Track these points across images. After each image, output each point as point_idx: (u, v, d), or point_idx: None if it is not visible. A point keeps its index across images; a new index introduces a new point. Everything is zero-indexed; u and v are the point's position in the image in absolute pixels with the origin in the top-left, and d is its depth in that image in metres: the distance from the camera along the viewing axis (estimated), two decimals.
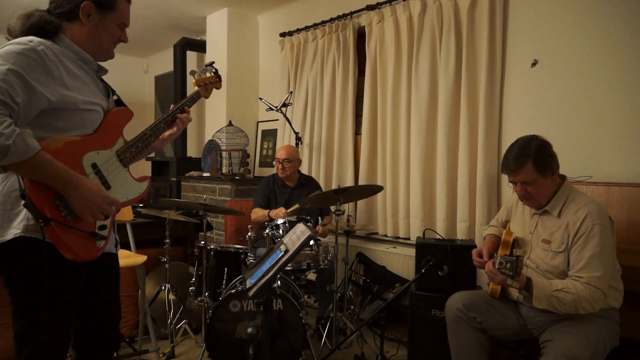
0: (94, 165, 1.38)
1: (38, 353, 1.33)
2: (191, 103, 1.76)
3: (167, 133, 1.66)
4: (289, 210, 3.07)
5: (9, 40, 1.30)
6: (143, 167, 5.85)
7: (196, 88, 1.88)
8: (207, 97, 1.92)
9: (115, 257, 1.60)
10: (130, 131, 1.55)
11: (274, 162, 3.43)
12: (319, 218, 3.37)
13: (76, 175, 1.26)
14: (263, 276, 1.52)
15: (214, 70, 1.93)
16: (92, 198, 1.27)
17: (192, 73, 1.91)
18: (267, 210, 3.19)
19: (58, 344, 1.38)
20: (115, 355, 1.70)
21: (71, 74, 1.34)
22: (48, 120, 1.29)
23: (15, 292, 1.34)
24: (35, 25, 1.33)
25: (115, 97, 1.55)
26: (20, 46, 1.23)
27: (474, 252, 2.13)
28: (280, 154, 3.35)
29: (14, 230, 1.28)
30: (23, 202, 1.22)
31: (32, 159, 1.16)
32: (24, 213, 1.28)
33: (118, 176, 1.45)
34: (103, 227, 1.38)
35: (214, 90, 1.98)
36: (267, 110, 4.05)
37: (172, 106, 1.70)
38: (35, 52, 1.24)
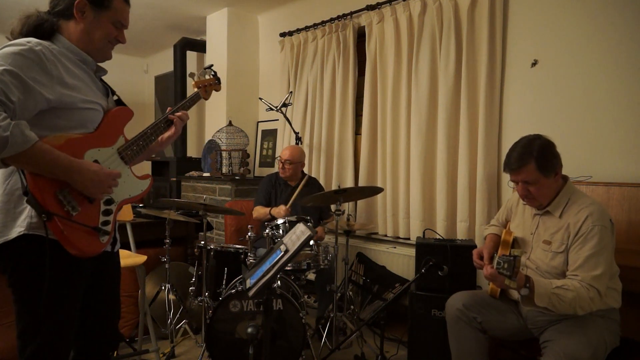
0: (96, 162, 1.39)
1: (41, 351, 1.34)
2: (191, 104, 1.77)
3: (166, 135, 1.66)
4: (288, 205, 3.07)
5: (9, 40, 1.32)
6: (143, 167, 5.84)
7: (196, 89, 1.89)
8: (206, 99, 1.94)
9: (116, 255, 1.61)
10: (131, 131, 1.56)
11: (276, 159, 3.44)
12: (319, 220, 3.37)
13: (76, 160, 1.29)
14: (263, 276, 1.52)
15: (212, 73, 1.96)
16: (96, 176, 1.31)
17: (192, 75, 1.93)
18: (269, 208, 3.19)
19: (61, 342, 1.39)
20: (114, 355, 1.71)
21: (70, 73, 1.36)
22: (49, 119, 1.31)
23: (19, 290, 1.35)
24: (33, 25, 1.36)
25: (115, 97, 1.56)
26: (18, 47, 1.25)
27: (475, 252, 2.12)
28: (284, 154, 3.34)
29: (18, 228, 1.29)
30: (26, 198, 1.24)
31: (32, 149, 1.18)
32: (27, 211, 1.29)
33: None
34: (106, 223, 1.40)
35: (214, 92, 1.99)
36: (267, 110, 4.05)
37: (169, 109, 1.71)
38: (32, 52, 1.26)
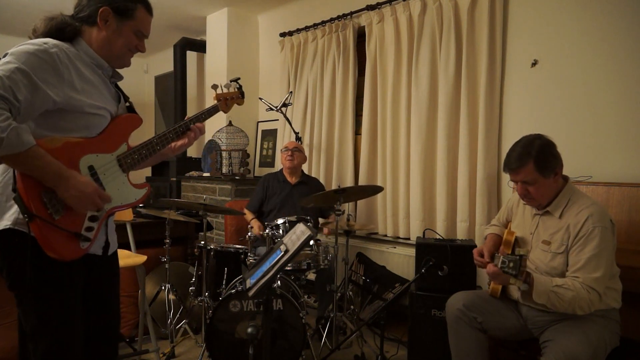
0: (91, 168, 1.39)
1: (52, 350, 1.34)
2: (207, 116, 1.73)
3: (179, 143, 1.65)
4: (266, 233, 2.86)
5: (30, 39, 1.33)
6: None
7: (215, 102, 1.86)
8: (226, 112, 1.91)
9: (112, 259, 1.58)
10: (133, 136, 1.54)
11: (281, 151, 3.44)
12: (319, 219, 3.37)
13: (68, 170, 1.28)
14: (263, 276, 1.52)
15: (237, 86, 1.93)
16: (84, 190, 1.29)
17: (214, 87, 1.87)
18: (252, 218, 3.25)
19: (71, 339, 1.38)
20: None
21: (82, 78, 1.37)
22: (54, 120, 1.32)
23: (16, 292, 1.35)
24: (56, 27, 1.37)
25: (127, 104, 1.56)
26: (34, 47, 1.27)
27: (475, 251, 2.12)
28: (290, 144, 3.43)
29: (5, 222, 1.30)
30: (14, 195, 1.25)
31: (25, 152, 1.19)
32: (16, 206, 1.28)
33: (114, 181, 1.45)
34: (90, 229, 1.38)
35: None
36: (267, 110, 4.05)
37: (187, 117, 1.69)
38: (47, 53, 1.27)
